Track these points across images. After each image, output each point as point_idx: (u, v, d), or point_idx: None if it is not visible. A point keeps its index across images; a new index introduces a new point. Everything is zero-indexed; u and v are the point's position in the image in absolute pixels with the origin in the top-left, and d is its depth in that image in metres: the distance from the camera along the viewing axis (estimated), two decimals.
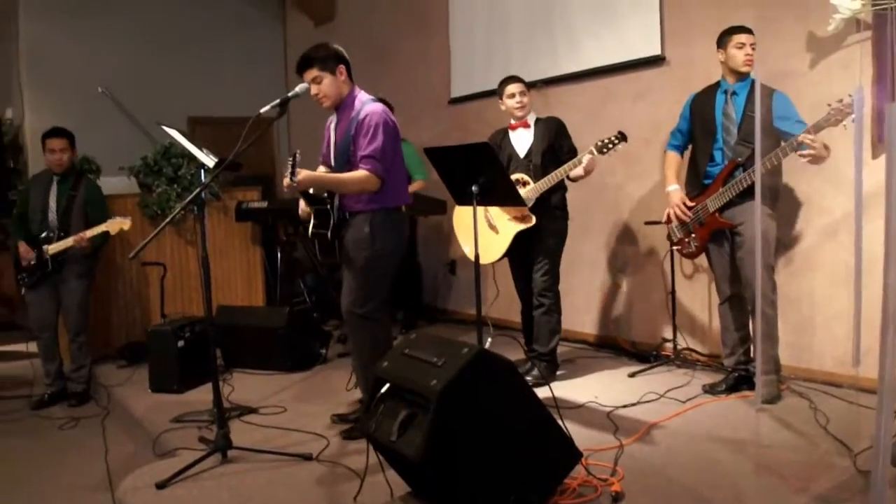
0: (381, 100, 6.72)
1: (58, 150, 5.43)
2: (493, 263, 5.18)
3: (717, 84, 4.62)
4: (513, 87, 5.12)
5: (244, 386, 5.45)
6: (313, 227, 4.24)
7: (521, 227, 4.93)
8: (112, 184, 6.95)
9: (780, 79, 4.62)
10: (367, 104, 4.14)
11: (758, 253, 4.09)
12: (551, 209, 5.02)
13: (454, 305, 7.79)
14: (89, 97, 8.26)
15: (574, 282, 6.32)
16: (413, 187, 6.68)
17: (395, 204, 4.20)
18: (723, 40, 4.52)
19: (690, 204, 4.64)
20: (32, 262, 5.38)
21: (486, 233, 5.03)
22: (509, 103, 5.13)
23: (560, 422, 3.14)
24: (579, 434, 4.00)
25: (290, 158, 3.81)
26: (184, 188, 6.61)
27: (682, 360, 5.33)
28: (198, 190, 3.67)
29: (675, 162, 4.88)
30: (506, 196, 4.28)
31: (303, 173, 3.84)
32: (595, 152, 4.73)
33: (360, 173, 4.02)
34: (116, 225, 5.19)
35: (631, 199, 5.93)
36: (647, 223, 5.50)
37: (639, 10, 5.72)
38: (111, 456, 4.36)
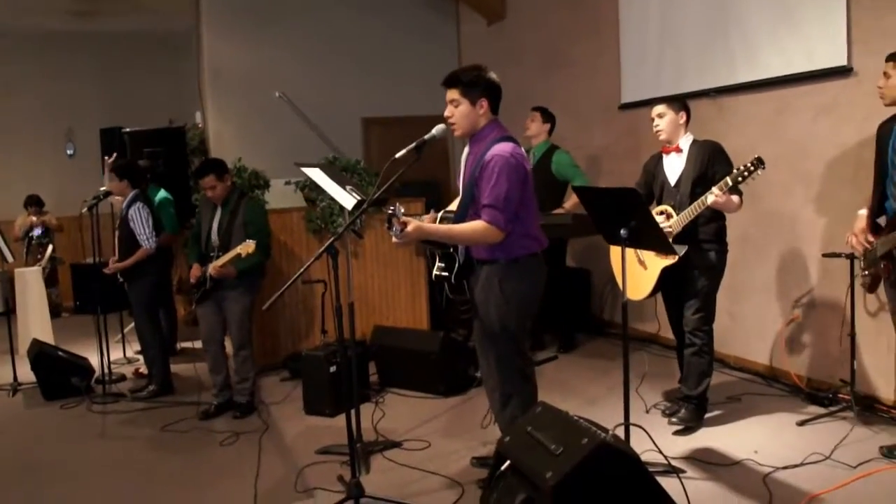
0: (541, 109, 6.68)
1: (208, 188, 5.59)
2: (642, 300, 4.86)
3: None
4: (652, 111, 4.79)
5: (395, 411, 5.48)
6: (437, 270, 4.08)
7: (667, 262, 4.54)
8: (285, 190, 7.13)
9: None
10: (495, 144, 3.80)
11: None
12: (700, 242, 4.62)
13: (620, 318, 7.47)
14: (267, 102, 8.58)
15: (746, 307, 5.92)
16: (575, 198, 6.41)
17: (527, 252, 3.89)
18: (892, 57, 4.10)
19: (871, 238, 4.25)
20: (198, 279, 5.59)
21: (634, 268, 4.72)
22: (653, 127, 4.79)
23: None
24: (726, 502, 3.72)
25: (390, 210, 3.46)
26: None
27: (860, 408, 4.79)
28: (331, 241, 3.62)
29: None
30: (656, 243, 4.00)
31: (410, 227, 3.53)
32: (723, 189, 4.29)
33: (477, 225, 3.73)
34: (245, 248, 5.22)
35: (810, 226, 5.42)
36: (826, 255, 5.00)
37: (822, 13, 5.16)
38: (261, 479, 4.43)
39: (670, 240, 4.35)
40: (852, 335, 4.85)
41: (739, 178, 4.24)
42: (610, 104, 7.39)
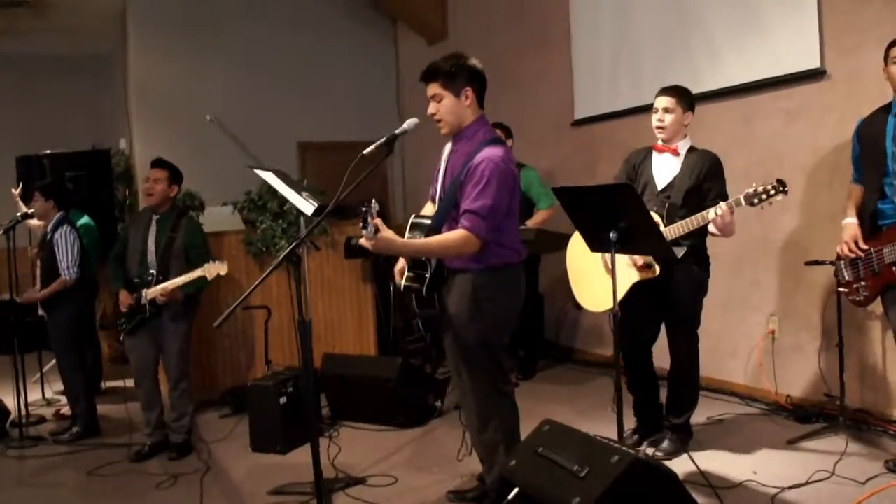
0: (499, 125, 6.37)
1: (151, 179, 5.13)
2: (603, 313, 4.41)
3: (890, 105, 3.92)
4: (657, 101, 4.31)
5: (352, 445, 5.00)
6: (406, 280, 3.68)
7: (641, 277, 4.14)
8: (219, 214, 6.68)
9: None
10: (487, 145, 3.48)
11: None
12: (685, 257, 4.13)
13: (580, 344, 7.16)
14: (198, 126, 8.10)
15: (719, 324, 5.62)
16: (538, 218, 6.13)
17: (504, 261, 3.56)
18: (887, 54, 3.84)
19: (864, 246, 3.95)
20: (131, 306, 5.06)
21: (599, 277, 4.30)
22: (652, 120, 4.33)
23: None
24: None
25: (363, 208, 3.07)
26: (289, 223, 6.23)
27: (850, 423, 4.52)
28: (291, 246, 3.19)
29: (857, 194, 4.14)
30: (650, 246, 3.64)
31: (383, 232, 3.17)
32: (732, 208, 3.85)
33: (455, 235, 3.39)
34: (213, 270, 4.76)
35: (786, 234, 5.19)
36: (808, 263, 4.74)
37: (791, 16, 4.99)
38: None
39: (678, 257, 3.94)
40: (840, 346, 4.56)
41: (755, 200, 3.80)
42: (562, 121, 7.13)
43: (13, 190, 7.01)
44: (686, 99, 4.32)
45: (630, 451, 2.33)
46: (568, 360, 7.04)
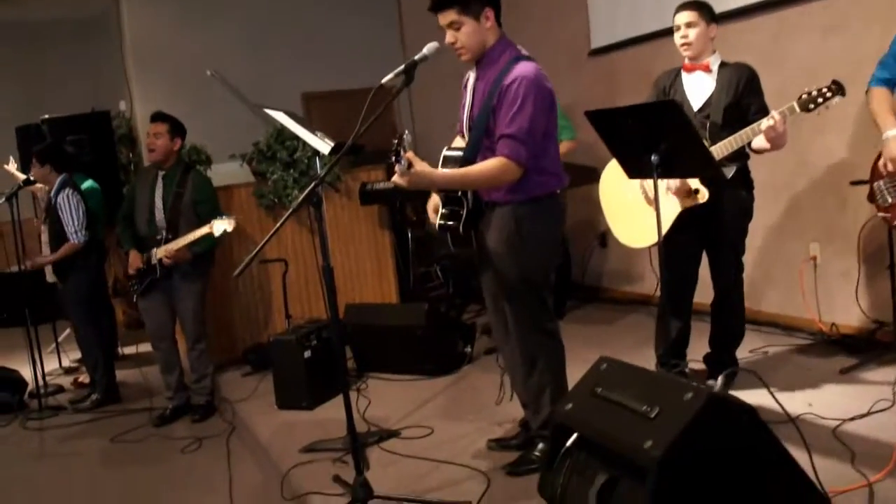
0: None
1: (151, 134, 4.89)
2: (650, 247, 4.18)
3: None
4: (677, 18, 4.02)
5: (381, 397, 4.82)
6: (441, 218, 3.44)
7: (689, 203, 3.85)
8: (227, 170, 6.45)
9: None
10: (516, 63, 3.24)
11: None
12: (731, 181, 3.87)
13: (607, 282, 6.93)
14: (199, 82, 7.80)
15: (757, 252, 5.36)
16: (560, 151, 5.86)
17: (547, 191, 3.33)
18: None
19: None
20: (140, 268, 4.86)
21: (640, 209, 4.04)
22: (675, 39, 4.04)
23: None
24: (802, 463, 3.16)
25: (395, 140, 2.88)
26: (301, 173, 5.99)
27: None
28: (312, 185, 2.95)
29: (885, 99, 3.82)
30: (697, 165, 3.38)
31: (417, 166, 3.00)
32: (785, 115, 3.53)
33: (493, 163, 3.18)
34: (220, 226, 4.53)
35: (827, 155, 4.91)
36: (854, 183, 4.45)
37: None
38: (236, 489, 3.77)
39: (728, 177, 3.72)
40: (891, 268, 4.31)
41: (811, 105, 3.50)
42: (578, 51, 6.82)
43: (5, 166, 6.79)
44: (707, 11, 4.01)
45: (702, 386, 2.11)
46: (595, 300, 6.82)
